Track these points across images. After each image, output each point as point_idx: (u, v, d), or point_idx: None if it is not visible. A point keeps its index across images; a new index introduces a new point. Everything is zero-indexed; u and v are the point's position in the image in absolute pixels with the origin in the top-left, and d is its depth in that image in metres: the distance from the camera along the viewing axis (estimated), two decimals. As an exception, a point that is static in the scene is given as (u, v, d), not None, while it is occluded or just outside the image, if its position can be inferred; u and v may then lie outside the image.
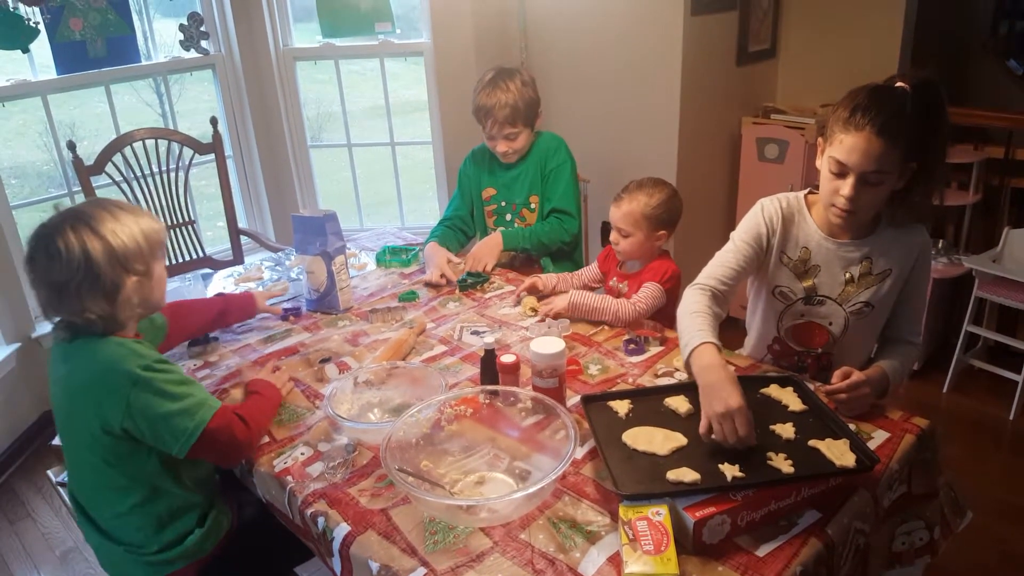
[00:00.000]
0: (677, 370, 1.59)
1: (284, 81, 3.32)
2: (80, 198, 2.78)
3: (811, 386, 1.41)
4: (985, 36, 3.48)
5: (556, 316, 1.82)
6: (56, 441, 1.43)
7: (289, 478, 1.34)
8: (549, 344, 1.42)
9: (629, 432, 1.28)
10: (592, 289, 2.05)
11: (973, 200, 2.90)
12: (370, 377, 1.55)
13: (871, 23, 3.02)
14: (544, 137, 2.31)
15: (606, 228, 2.38)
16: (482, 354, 1.53)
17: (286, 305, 1.98)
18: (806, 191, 1.57)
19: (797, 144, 2.97)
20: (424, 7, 3.14)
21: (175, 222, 2.90)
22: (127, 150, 2.74)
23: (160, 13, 3.34)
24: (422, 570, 1.11)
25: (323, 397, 1.55)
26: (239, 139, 3.38)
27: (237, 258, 2.99)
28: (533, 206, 2.30)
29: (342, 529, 1.20)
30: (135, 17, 2.97)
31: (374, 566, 1.13)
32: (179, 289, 1.97)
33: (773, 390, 1.39)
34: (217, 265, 2.91)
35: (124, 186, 2.74)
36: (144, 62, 3.06)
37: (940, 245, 2.96)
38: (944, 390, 2.88)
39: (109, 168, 2.70)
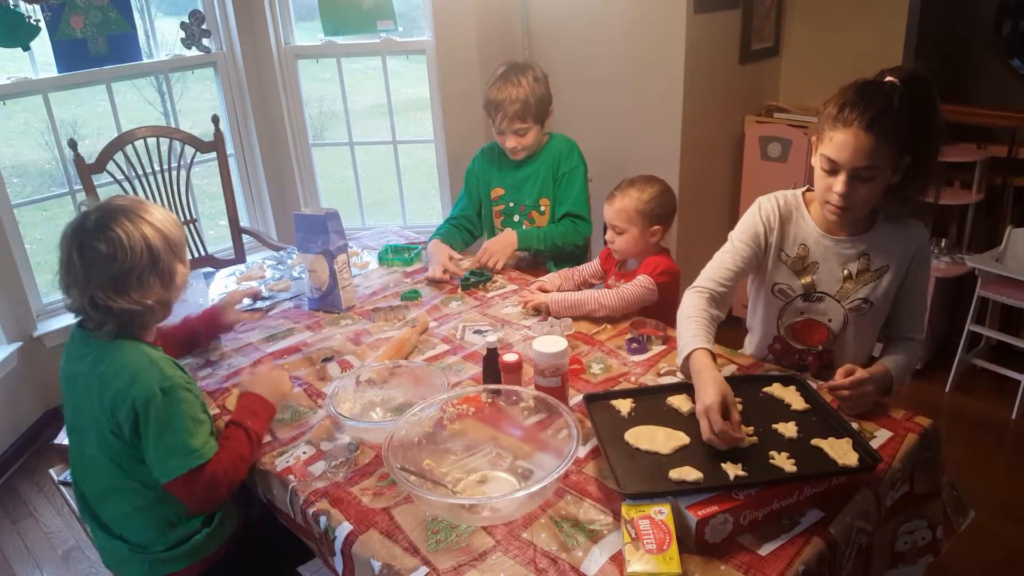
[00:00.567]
0: (678, 368, 1.58)
1: (286, 79, 3.32)
2: (81, 197, 2.77)
3: (813, 384, 1.41)
4: (988, 35, 3.47)
5: (535, 309, 1.85)
6: (59, 439, 1.43)
7: (291, 477, 1.34)
8: (552, 343, 1.41)
9: (631, 431, 1.28)
10: (591, 286, 2.05)
11: (976, 199, 2.89)
12: (372, 376, 1.55)
13: (874, 21, 3.01)
14: (556, 139, 2.29)
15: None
16: (484, 353, 1.52)
17: (260, 304, 1.99)
18: (804, 188, 1.57)
19: (800, 143, 2.97)
20: (426, 5, 3.14)
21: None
22: (128, 148, 2.74)
23: (161, 11, 3.34)
24: (424, 569, 1.11)
25: (325, 396, 1.55)
26: (241, 137, 3.38)
27: (239, 257, 2.99)
28: (543, 209, 2.28)
29: (344, 528, 1.20)
30: (136, 15, 2.97)
31: (376, 565, 1.13)
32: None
33: (776, 389, 1.39)
34: (219, 264, 2.91)
35: (126, 184, 2.74)
36: (145, 60, 3.06)
37: (943, 244, 2.95)
38: (947, 389, 2.88)
39: (111, 167, 2.70)
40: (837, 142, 1.35)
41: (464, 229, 2.37)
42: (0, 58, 2.68)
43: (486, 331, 1.80)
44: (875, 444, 1.31)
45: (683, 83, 2.84)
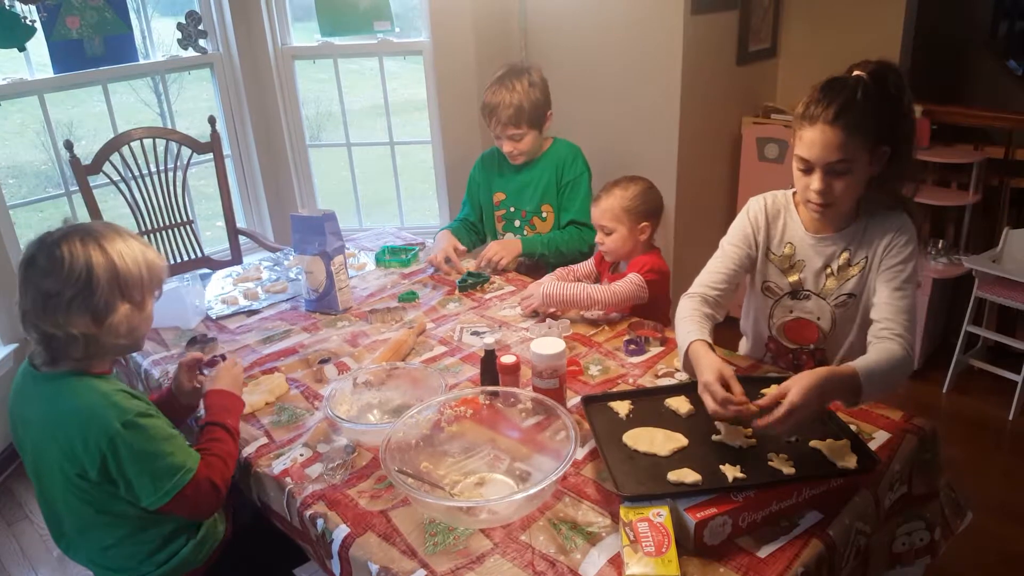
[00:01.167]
0: (677, 370, 1.58)
1: (283, 80, 3.31)
2: (78, 198, 2.77)
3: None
4: (985, 36, 3.48)
5: (533, 312, 1.84)
6: None
7: (288, 479, 1.33)
8: (549, 345, 1.41)
9: (630, 433, 1.28)
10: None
11: (973, 200, 2.90)
12: (370, 378, 1.54)
13: (872, 22, 3.01)
14: (560, 144, 2.27)
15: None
16: (482, 355, 1.52)
17: (255, 305, 2.02)
18: (795, 189, 1.57)
19: (797, 144, 2.96)
20: (423, 6, 3.13)
21: (173, 222, 2.89)
22: (125, 149, 2.73)
23: (158, 12, 3.33)
24: (422, 572, 1.10)
25: (322, 398, 1.55)
26: (237, 138, 3.37)
27: (236, 258, 2.98)
28: (545, 215, 2.27)
29: (341, 531, 1.20)
30: (133, 15, 2.96)
31: (374, 568, 1.13)
32: (177, 289, 1.95)
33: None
34: (215, 265, 2.90)
35: (122, 186, 2.73)
36: (142, 61, 3.05)
37: (940, 245, 2.96)
38: (944, 390, 2.88)
39: (107, 168, 2.69)
40: (806, 140, 1.35)
41: (472, 230, 2.39)
42: (-4, 59, 2.68)
43: (484, 332, 1.79)
44: (873, 445, 1.31)
45: (680, 84, 2.84)
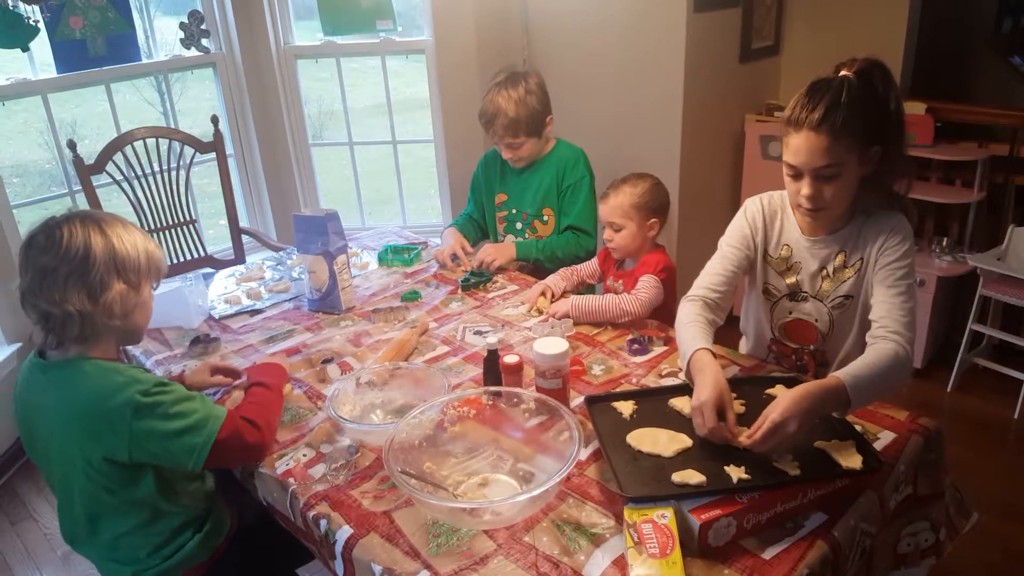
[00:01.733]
0: (681, 370, 1.57)
1: (285, 79, 3.31)
2: (81, 197, 2.77)
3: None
4: (989, 33, 3.46)
5: (558, 317, 1.81)
6: None
7: (291, 480, 1.33)
8: (552, 345, 1.41)
9: (634, 433, 1.27)
10: (588, 286, 2.05)
11: (977, 198, 2.88)
12: (372, 378, 1.54)
13: (875, 20, 3.00)
14: (562, 147, 2.25)
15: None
16: (485, 355, 1.52)
17: (258, 304, 2.03)
18: None
19: (800, 142, 2.95)
20: (425, 5, 3.13)
21: (176, 221, 2.89)
22: (128, 149, 2.73)
23: (161, 11, 3.33)
24: (425, 573, 1.10)
25: (325, 398, 1.55)
26: (240, 138, 3.37)
27: (239, 257, 2.98)
28: (546, 218, 2.25)
29: (344, 532, 1.20)
30: (135, 15, 2.96)
31: (377, 569, 1.13)
32: (180, 289, 1.95)
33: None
34: (219, 264, 2.91)
35: (125, 185, 2.73)
36: (145, 61, 3.05)
37: (944, 243, 2.94)
38: (948, 389, 2.87)
39: (110, 167, 2.69)
40: (792, 146, 1.34)
41: (476, 227, 2.39)
42: (-1, 59, 2.68)
43: (487, 332, 1.79)
44: (878, 446, 1.30)
45: (683, 82, 2.84)
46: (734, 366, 1.58)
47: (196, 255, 2.94)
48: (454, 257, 2.18)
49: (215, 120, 2.90)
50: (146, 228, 2.80)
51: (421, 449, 1.31)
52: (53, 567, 2.25)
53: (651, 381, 1.55)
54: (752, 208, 1.55)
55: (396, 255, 2.28)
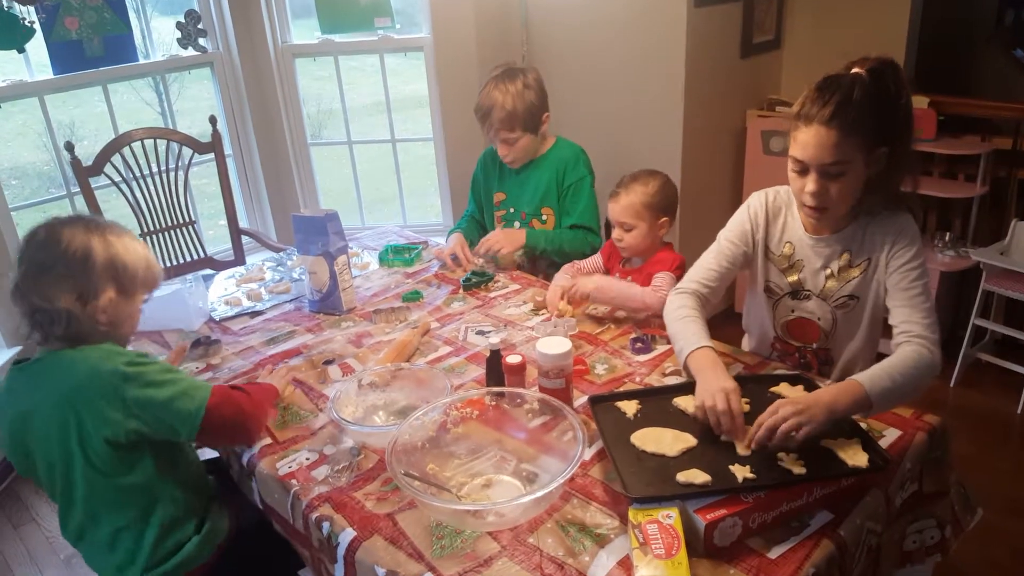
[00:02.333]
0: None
1: (283, 78, 3.30)
2: (80, 200, 2.76)
3: (821, 384, 1.39)
4: (991, 26, 3.44)
5: (582, 298, 1.77)
6: None
7: (294, 481, 1.32)
8: (555, 344, 1.40)
9: (638, 433, 1.26)
10: None
11: (980, 192, 2.87)
12: (374, 379, 1.53)
13: (876, 13, 2.98)
14: (561, 145, 2.23)
15: (609, 224, 2.36)
16: (487, 355, 1.51)
17: (259, 306, 2.02)
18: None
19: (802, 137, 2.94)
20: (424, 1, 3.11)
21: (175, 223, 2.88)
22: (126, 150, 2.72)
23: (157, 11, 3.32)
24: (429, 575, 1.09)
25: (327, 399, 1.54)
26: (239, 138, 3.36)
27: (238, 258, 2.98)
28: (545, 218, 2.23)
29: (347, 534, 1.19)
30: (132, 15, 2.95)
31: (380, 572, 1.12)
32: (180, 291, 1.94)
33: (783, 388, 1.37)
34: (218, 265, 2.90)
35: (123, 187, 2.72)
36: (142, 61, 3.04)
37: (947, 238, 2.93)
38: (951, 384, 2.86)
39: (108, 169, 2.68)
40: (801, 141, 1.33)
41: (479, 226, 2.39)
42: (-4, 60, 2.67)
43: (489, 332, 1.78)
44: (883, 443, 1.30)
45: (684, 77, 2.82)
46: (738, 364, 1.57)
47: (195, 256, 2.93)
48: (454, 257, 2.16)
49: (213, 120, 2.89)
50: (145, 230, 2.80)
51: (424, 451, 1.30)
52: (56, 570, 2.25)
53: (655, 380, 1.54)
54: (755, 203, 1.54)
55: (397, 255, 2.27)
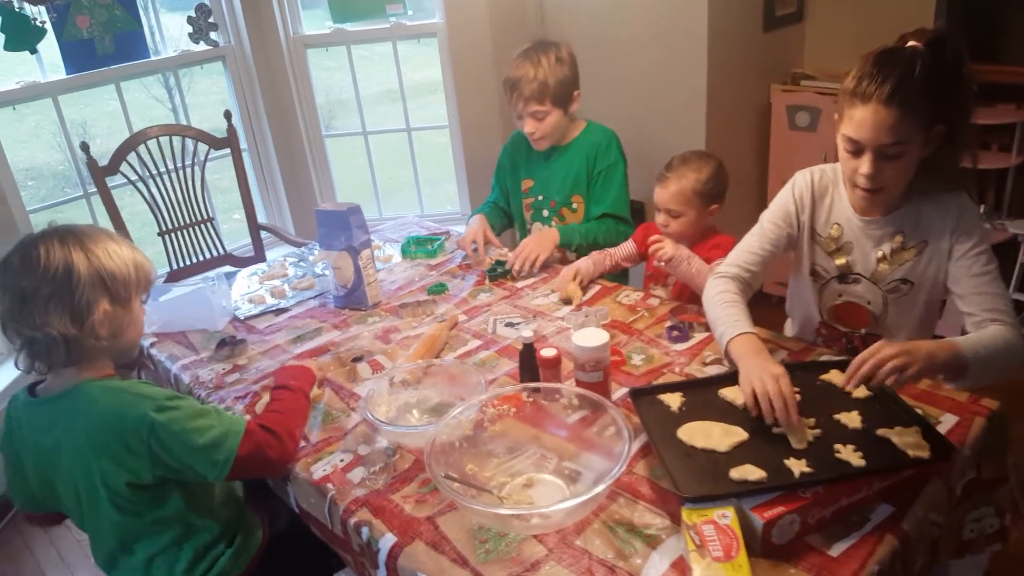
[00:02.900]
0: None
1: (296, 70, 3.24)
2: (96, 199, 2.73)
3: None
4: (1022, -12, 3.31)
5: (665, 260, 1.67)
6: None
7: (329, 485, 1.28)
8: (592, 336, 1.35)
9: (684, 427, 1.21)
10: (622, 268, 1.98)
11: (1016, 162, 2.78)
12: (406, 377, 1.49)
13: (903, -21, 2.88)
14: (593, 129, 2.14)
15: (635, 208, 2.29)
16: (520, 347, 1.46)
17: (283, 303, 1.98)
18: None
19: (829, 111, 2.85)
20: (435, -14, 3.05)
21: (193, 220, 2.85)
22: (141, 148, 2.69)
23: (167, 7, 3.27)
24: (475, 582, 1.06)
25: (358, 397, 1.51)
26: (253, 131, 3.32)
27: (258, 254, 2.95)
28: (575, 206, 2.14)
29: (388, 540, 1.15)
30: (142, 12, 2.91)
31: (424, 579, 1.08)
32: (203, 291, 1.91)
33: (834, 376, 1.31)
34: (238, 262, 2.87)
35: (140, 185, 2.70)
36: (153, 57, 3.00)
37: (982, 210, 2.84)
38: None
39: (124, 167, 2.65)
40: (857, 119, 1.26)
41: (502, 213, 2.32)
42: (8, 62, 2.64)
43: (519, 324, 1.73)
44: (941, 430, 1.23)
45: (707, 53, 2.74)
46: (781, 350, 1.51)
47: (215, 253, 2.90)
48: (474, 247, 2.08)
49: (228, 115, 2.85)
50: (163, 228, 2.77)
51: (462, 450, 1.26)
52: (87, 572, 2.25)
53: (695, 370, 1.49)
54: (801, 183, 1.47)
55: (419, 247, 2.23)
